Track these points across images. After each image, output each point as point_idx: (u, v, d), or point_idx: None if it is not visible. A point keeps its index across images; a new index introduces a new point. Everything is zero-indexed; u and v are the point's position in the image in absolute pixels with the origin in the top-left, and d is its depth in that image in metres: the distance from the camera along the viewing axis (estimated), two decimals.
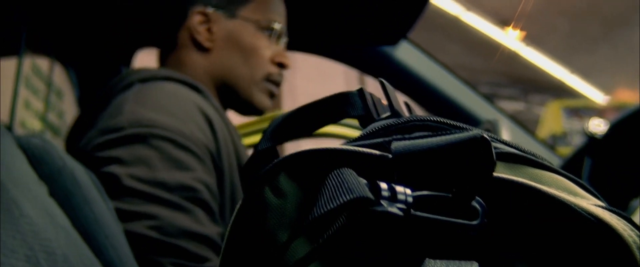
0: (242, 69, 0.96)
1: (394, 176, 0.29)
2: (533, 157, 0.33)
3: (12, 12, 1.13)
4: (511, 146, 0.35)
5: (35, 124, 1.21)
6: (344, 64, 1.44)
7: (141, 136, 0.75)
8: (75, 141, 0.86)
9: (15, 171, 0.48)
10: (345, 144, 0.36)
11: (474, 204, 0.29)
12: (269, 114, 1.08)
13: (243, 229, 0.33)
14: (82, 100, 1.38)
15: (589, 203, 0.31)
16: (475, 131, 0.28)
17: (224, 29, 0.96)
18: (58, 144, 1.26)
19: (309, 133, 0.40)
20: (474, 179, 0.28)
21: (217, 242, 0.74)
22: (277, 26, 0.98)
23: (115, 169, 0.73)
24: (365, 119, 0.40)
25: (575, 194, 0.32)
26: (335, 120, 0.40)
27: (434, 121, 0.35)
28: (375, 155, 0.30)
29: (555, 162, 1.40)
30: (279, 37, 1.00)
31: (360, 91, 0.40)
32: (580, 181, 0.34)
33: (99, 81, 1.37)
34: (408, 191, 0.27)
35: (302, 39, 1.33)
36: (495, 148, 0.31)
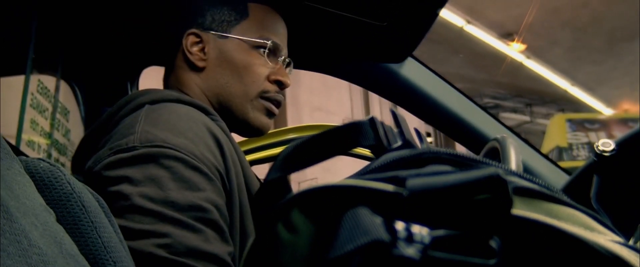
0: (236, 87, 0.98)
1: (408, 213, 0.28)
2: (549, 192, 0.33)
3: (18, 31, 1.14)
4: (526, 179, 0.35)
5: (41, 142, 1.21)
6: (350, 82, 1.44)
7: (152, 155, 0.75)
8: (83, 159, 0.86)
9: (24, 198, 0.47)
10: (357, 176, 0.35)
11: (491, 242, 0.28)
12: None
13: (256, 264, 0.33)
14: (88, 119, 1.39)
15: (606, 239, 0.31)
16: (491, 169, 0.28)
17: (216, 48, 0.99)
18: (64, 162, 1.26)
19: (320, 162, 0.40)
20: (491, 218, 0.27)
21: (227, 261, 0.73)
22: (270, 43, 0.99)
23: (125, 188, 0.73)
24: (377, 148, 0.40)
25: (592, 229, 0.32)
26: (346, 150, 0.40)
27: (446, 154, 0.35)
28: (389, 192, 0.30)
29: (562, 177, 1.39)
30: (274, 54, 1.01)
31: (372, 121, 0.40)
32: (597, 215, 0.33)
33: (105, 99, 1.37)
34: (424, 231, 0.27)
35: (308, 57, 1.33)
36: (510, 182, 0.31)
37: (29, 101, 1.15)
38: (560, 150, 6.68)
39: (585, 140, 6.70)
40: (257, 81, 0.98)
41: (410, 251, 0.26)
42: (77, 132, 1.37)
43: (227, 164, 0.82)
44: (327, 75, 1.42)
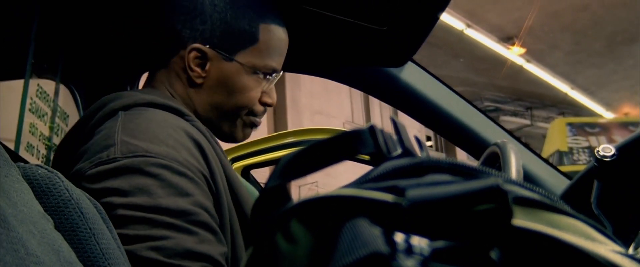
0: (228, 106, 0.98)
1: (408, 224, 0.28)
2: (549, 201, 0.32)
3: (18, 35, 1.13)
4: (527, 188, 0.34)
5: (40, 147, 1.20)
6: (350, 86, 1.44)
7: (136, 165, 0.75)
8: (62, 171, 0.85)
9: (22, 205, 0.47)
10: (356, 184, 0.35)
11: (491, 253, 0.28)
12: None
13: None
14: None
15: (607, 249, 0.31)
16: (491, 179, 0.28)
17: (218, 69, 0.96)
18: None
19: (319, 170, 0.39)
20: (491, 229, 0.27)
21: (221, 262, 0.74)
22: (274, 75, 1.00)
23: (114, 199, 0.73)
24: (376, 156, 0.39)
25: (592, 239, 0.31)
26: (346, 158, 0.39)
27: (446, 163, 0.34)
28: (388, 202, 0.30)
29: (563, 182, 1.39)
30: (271, 77, 1.00)
31: (371, 129, 0.40)
32: (598, 225, 0.33)
33: None
34: (424, 243, 0.27)
35: (308, 61, 1.33)
36: (511, 192, 0.30)
37: (28, 105, 1.15)
38: (560, 154, 6.68)
39: (585, 144, 6.70)
40: (250, 103, 0.99)
41: (410, 264, 0.26)
42: None
43: (211, 167, 0.83)
44: (328, 79, 1.42)
